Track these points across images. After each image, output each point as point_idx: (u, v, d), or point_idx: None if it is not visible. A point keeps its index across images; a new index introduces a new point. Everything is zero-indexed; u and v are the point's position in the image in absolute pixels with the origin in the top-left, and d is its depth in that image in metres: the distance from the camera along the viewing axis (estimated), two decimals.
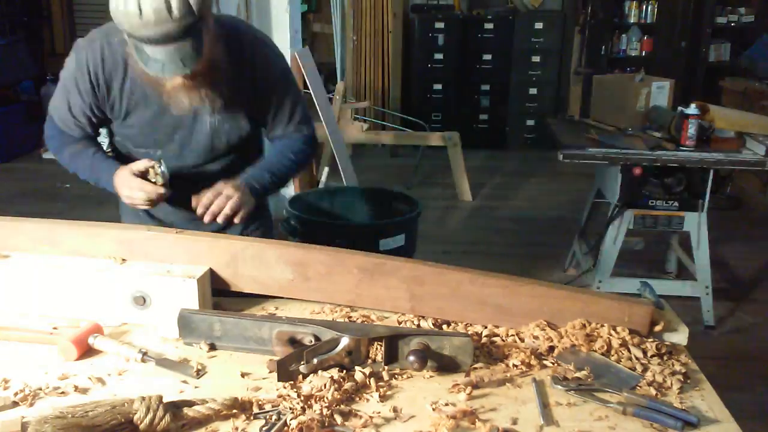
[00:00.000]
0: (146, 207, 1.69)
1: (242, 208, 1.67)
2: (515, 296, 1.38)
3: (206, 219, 1.65)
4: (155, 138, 1.74)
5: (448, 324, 1.43)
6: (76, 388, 1.19)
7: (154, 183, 1.66)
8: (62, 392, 1.18)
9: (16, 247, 1.53)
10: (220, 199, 1.64)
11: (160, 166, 1.66)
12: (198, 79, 1.56)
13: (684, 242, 3.71)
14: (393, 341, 1.26)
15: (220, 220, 1.65)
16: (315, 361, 1.22)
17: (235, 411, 1.11)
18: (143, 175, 1.66)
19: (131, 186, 1.65)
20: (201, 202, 1.65)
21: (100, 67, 1.65)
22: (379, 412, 1.13)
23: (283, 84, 1.79)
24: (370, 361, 1.27)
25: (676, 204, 3.28)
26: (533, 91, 6.98)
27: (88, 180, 1.77)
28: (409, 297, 1.42)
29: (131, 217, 1.90)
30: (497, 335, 1.38)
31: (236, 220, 1.68)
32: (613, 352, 1.31)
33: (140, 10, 1.39)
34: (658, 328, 1.37)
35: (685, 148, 3.21)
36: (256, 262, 1.45)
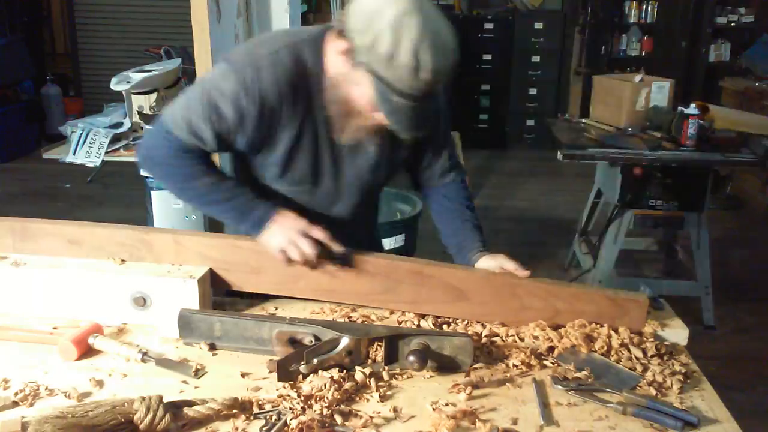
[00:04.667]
0: (294, 263, 1.41)
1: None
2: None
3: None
4: (306, 173, 1.48)
5: (448, 324, 1.43)
6: (76, 388, 1.19)
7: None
8: (62, 392, 1.18)
9: (22, 249, 1.53)
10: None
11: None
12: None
13: (684, 242, 3.71)
14: (393, 341, 1.26)
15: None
16: (315, 361, 1.22)
17: (235, 411, 1.11)
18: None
19: (305, 233, 1.39)
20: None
21: (269, 93, 1.36)
22: (379, 412, 1.13)
23: (444, 112, 1.57)
24: (370, 361, 1.27)
25: (676, 204, 3.28)
26: (533, 91, 6.98)
27: (216, 214, 1.50)
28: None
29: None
30: (497, 335, 1.38)
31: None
32: (613, 352, 1.31)
33: (418, 64, 1.22)
34: (653, 323, 1.38)
35: (685, 148, 3.21)
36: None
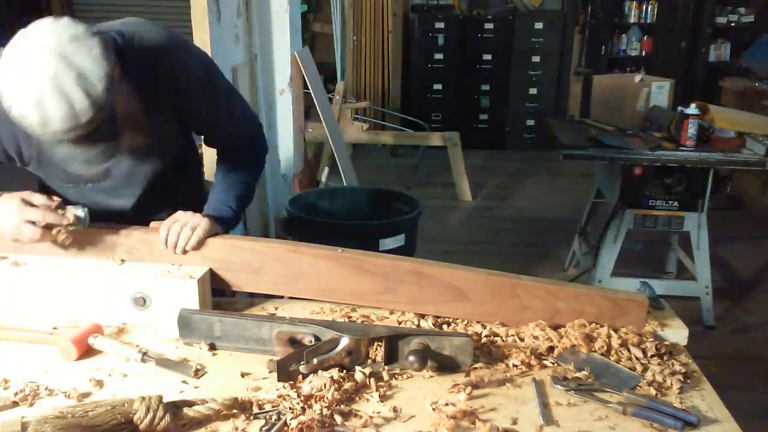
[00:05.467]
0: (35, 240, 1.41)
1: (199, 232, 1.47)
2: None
3: (169, 251, 1.47)
4: (80, 174, 1.52)
5: (448, 324, 1.43)
6: (76, 388, 1.19)
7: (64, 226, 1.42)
8: (62, 392, 1.18)
9: (22, 249, 1.53)
10: (185, 230, 1.46)
11: (80, 210, 1.43)
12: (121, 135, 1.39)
13: (684, 242, 3.71)
14: (393, 341, 1.26)
15: (179, 251, 1.46)
16: (315, 361, 1.22)
17: (235, 411, 1.11)
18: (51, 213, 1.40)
19: (22, 216, 1.38)
20: (166, 236, 1.47)
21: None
22: (379, 412, 1.13)
23: (208, 94, 1.55)
24: (370, 361, 1.27)
25: (676, 204, 3.28)
26: (533, 91, 6.98)
27: None
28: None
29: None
30: (497, 335, 1.38)
31: (191, 245, 1.47)
32: (612, 352, 1.31)
33: (44, 119, 1.19)
34: (653, 323, 1.38)
35: (685, 148, 3.21)
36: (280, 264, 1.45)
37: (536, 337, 1.35)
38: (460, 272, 1.42)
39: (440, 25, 6.76)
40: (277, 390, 1.19)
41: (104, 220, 1.52)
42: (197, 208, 1.56)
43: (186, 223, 1.47)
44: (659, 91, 3.55)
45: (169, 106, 1.50)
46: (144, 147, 1.51)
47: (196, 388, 1.21)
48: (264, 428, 1.08)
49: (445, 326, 1.42)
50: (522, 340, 1.36)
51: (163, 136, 1.54)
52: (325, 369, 1.23)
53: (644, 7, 6.99)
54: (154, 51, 1.44)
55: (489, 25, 6.82)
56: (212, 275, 1.47)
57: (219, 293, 1.52)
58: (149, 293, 1.41)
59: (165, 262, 1.48)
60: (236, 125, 1.66)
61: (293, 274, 1.45)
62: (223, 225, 1.55)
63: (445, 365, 1.25)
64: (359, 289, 1.45)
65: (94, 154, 1.40)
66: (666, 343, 1.35)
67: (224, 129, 1.65)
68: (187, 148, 1.72)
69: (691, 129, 3.19)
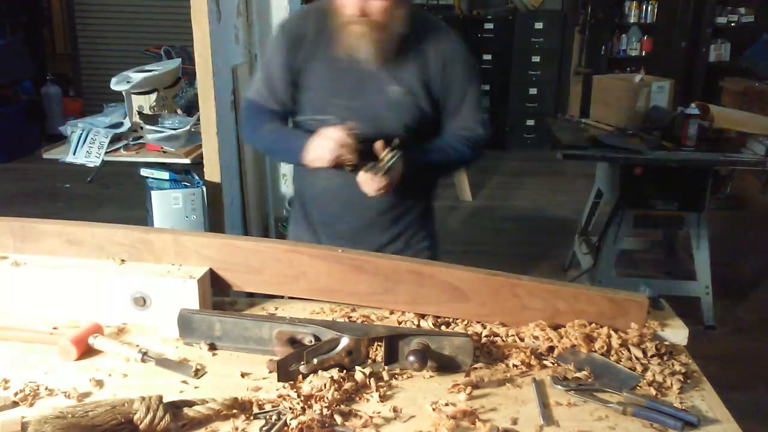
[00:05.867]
0: (329, 162, 1.63)
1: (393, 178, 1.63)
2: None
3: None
4: (334, 102, 1.72)
5: (448, 324, 1.43)
6: (76, 388, 1.19)
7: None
8: (62, 392, 1.18)
9: (22, 249, 1.53)
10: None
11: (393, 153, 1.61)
12: (383, 35, 1.61)
13: (684, 242, 3.71)
14: (393, 341, 1.26)
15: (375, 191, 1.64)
16: (315, 361, 1.22)
17: (235, 411, 1.11)
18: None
19: (326, 136, 1.61)
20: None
21: (296, 24, 1.75)
22: (379, 412, 1.13)
23: (469, 74, 1.77)
24: (370, 361, 1.27)
25: (676, 204, 3.28)
26: (533, 91, 6.98)
27: (276, 154, 1.93)
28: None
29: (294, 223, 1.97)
30: (497, 335, 1.38)
31: (375, 187, 1.63)
32: (612, 352, 1.31)
33: None
34: (653, 323, 1.37)
35: (685, 148, 3.21)
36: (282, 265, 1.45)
37: (536, 337, 1.35)
38: (459, 272, 1.42)
39: None
40: (277, 390, 1.19)
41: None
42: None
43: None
44: (659, 91, 3.55)
45: (433, 71, 1.71)
46: (399, 87, 1.70)
47: (196, 388, 1.21)
48: (264, 428, 1.08)
49: (444, 326, 1.42)
50: (522, 340, 1.36)
51: (417, 95, 1.71)
52: (325, 369, 1.23)
53: (644, 7, 7.00)
54: (437, 21, 1.79)
55: (489, 25, 6.82)
56: (212, 275, 1.47)
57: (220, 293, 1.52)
58: (149, 293, 1.41)
59: (165, 262, 1.48)
60: (475, 119, 1.79)
61: (293, 274, 1.45)
62: (407, 171, 1.66)
63: (445, 365, 1.25)
64: (359, 290, 1.45)
65: (354, 83, 1.70)
66: (666, 343, 1.35)
67: (466, 114, 1.77)
68: (430, 131, 1.79)
69: (691, 129, 3.19)
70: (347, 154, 1.60)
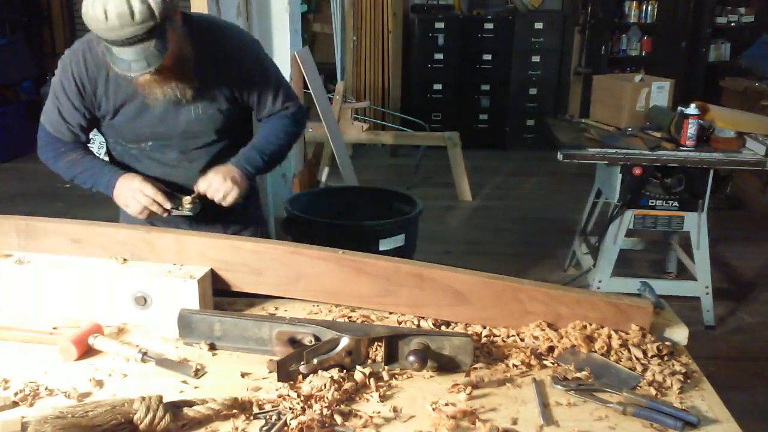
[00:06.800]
0: (142, 216, 1.76)
1: (234, 192, 1.75)
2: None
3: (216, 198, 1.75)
4: (143, 132, 1.82)
5: (448, 324, 1.43)
6: (76, 388, 1.19)
7: (175, 209, 1.75)
8: (62, 392, 1.18)
9: (26, 247, 1.53)
10: (217, 197, 1.74)
11: (194, 202, 1.76)
12: (167, 73, 1.65)
13: (684, 242, 3.71)
14: (393, 341, 1.26)
15: (226, 202, 1.75)
16: (315, 361, 1.22)
17: (235, 411, 1.11)
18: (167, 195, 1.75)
19: (134, 189, 1.73)
20: (205, 187, 1.75)
21: (84, 71, 1.75)
22: (379, 412, 1.13)
23: (258, 67, 1.86)
24: (370, 361, 1.27)
25: (676, 204, 3.28)
26: (533, 91, 6.98)
27: (84, 185, 1.84)
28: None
29: (129, 217, 1.91)
30: (497, 335, 1.38)
31: (224, 203, 1.76)
32: (612, 352, 1.31)
33: (106, 15, 1.49)
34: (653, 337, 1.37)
35: (685, 148, 3.21)
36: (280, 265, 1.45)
37: (536, 338, 1.35)
38: (461, 276, 1.41)
39: (440, 25, 6.75)
40: (277, 390, 1.19)
41: (160, 182, 1.78)
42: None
43: (218, 190, 1.74)
44: (659, 91, 3.54)
45: (223, 79, 1.79)
46: (196, 103, 1.78)
47: (196, 388, 1.21)
48: (264, 428, 1.08)
49: (444, 326, 1.42)
50: (522, 340, 1.36)
51: (214, 103, 1.80)
52: (325, 369, 1.23)
53: (644, 7, 6.98)
54: (218, 31, 1.82)
55: (489, 25, 6.81)
56: (213, 275, 1.47)
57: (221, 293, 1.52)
58: (150, 293, 1.41)
59: (166, 262, 1.48)
60: (281, 101, 1.89)
61: (293, 275, 1.45)
62: (251, 173, 1.81)
63: (445, 365, 1.25)
64: (359, 292, 1.44)
65: (158, 112, 1.76)
66: (666, 343, 1.35)
67: (271, 102, 1.88)
68: (240, 127, 1.93)
69: (691, 129, 3.19)
70: (156, 207, 1.72)
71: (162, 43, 1.56)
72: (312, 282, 1.45)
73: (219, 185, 1.73)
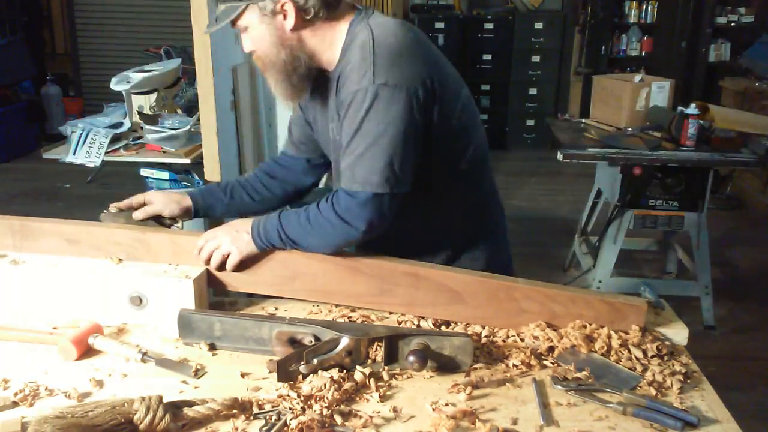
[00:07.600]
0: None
1: (235, 254, 1.45)
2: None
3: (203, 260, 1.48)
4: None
5: (448, 324, 1.43)
6: (76, 388, 1.19)
7: None
8: (62, 392, 1.18)
9: (21, 248, 1.53)
10: (216, 254, 1.46)
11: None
12: (277, 74, 1.62)
13: (684, 242, 3.71)
14: (393, 341, 1.26)
15: (213, 266, 1.47)
16: (315, 361, 1.22)
17: (235, 411, 1.11)
18: None
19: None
20: (201, 248, 1.47)
21: None
22: (379, 412, 1.13)
23: (364, 110, 1.35)
24: (370, 361, 1.27)
25: (676, 204, 3.28)
26: (533, 91, 6.98)
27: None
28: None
29: None
30: (497, 335, 1.38)
31: (227, 267, 1.46)
32: (612, 352, 1.31)
33: None
34: (653, 334, 1.37)
35: (685, 148, 3.20)
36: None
37: (536, 338, 1.35)
38: (456, 275, 1.42)
39: (440, 25, 6.76)
40: (277, 390, 1.19)
41: None
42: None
43: (220, 246, 1.45)
44: (659, 91, 3.54)
45: (337, 111, 1.45)
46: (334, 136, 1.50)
47: (196, 388, 1.21)
48: (264, 428, 1.08)
49: (444, 326, 1.42)
50: (522, 340, 1.36)
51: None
52: (325, 369, 1.23)
53: (644, 7, 6.99)
54: (363, 51, 1.37)
55: (489, 25, 6.81)
56: (208, 275, 1.47)
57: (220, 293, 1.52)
58: (146, 293, 1.41)
59: (162, 262, 1.48)
60: (352, 167, 1.37)
61: (289, 275, 1.45)
62: (262, 246, 1.44)
63: (445, 365, 1.25)
64: (355, 291, 1.44)
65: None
66: (666, 343, 1.35)
67: (343, 157, 1.41)
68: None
69: (691, 129, 3.19)
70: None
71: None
72: (307, 281, 1.45)
73: (215, 256, 1.47)
